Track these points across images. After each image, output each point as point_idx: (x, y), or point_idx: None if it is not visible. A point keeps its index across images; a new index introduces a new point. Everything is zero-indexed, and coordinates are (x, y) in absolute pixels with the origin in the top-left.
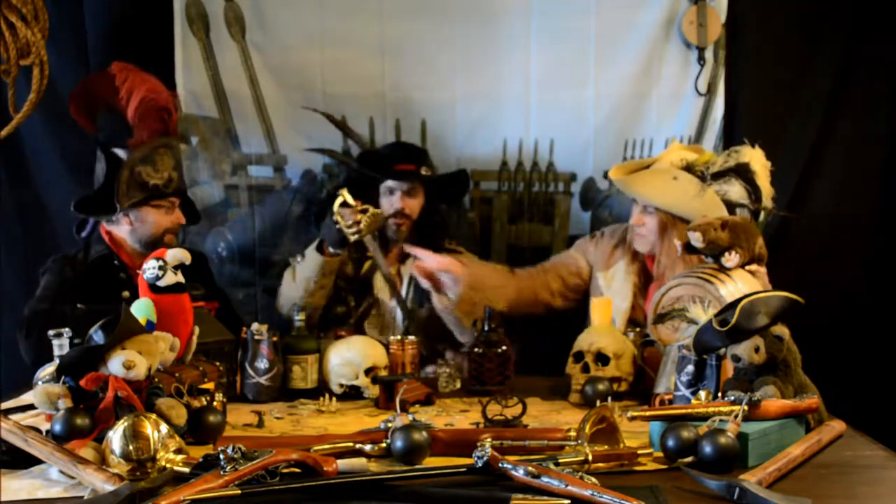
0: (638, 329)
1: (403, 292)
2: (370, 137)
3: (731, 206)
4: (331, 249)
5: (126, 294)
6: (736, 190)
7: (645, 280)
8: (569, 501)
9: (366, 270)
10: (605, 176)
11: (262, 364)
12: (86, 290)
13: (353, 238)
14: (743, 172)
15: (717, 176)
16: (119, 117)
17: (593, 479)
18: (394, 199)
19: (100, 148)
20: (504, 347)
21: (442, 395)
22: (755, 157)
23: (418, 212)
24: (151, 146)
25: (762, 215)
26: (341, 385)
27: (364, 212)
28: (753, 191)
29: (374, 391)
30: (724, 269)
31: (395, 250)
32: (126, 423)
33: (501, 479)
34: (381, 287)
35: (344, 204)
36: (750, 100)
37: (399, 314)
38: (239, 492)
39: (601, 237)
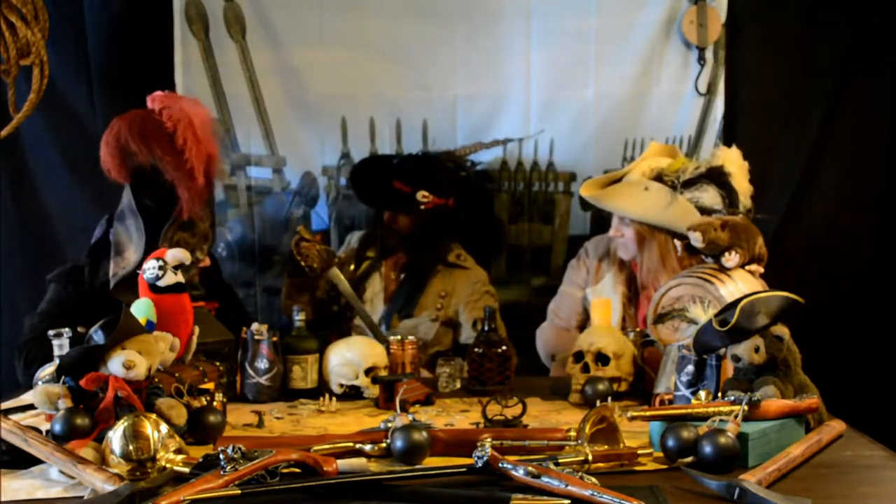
0: (638, 329)
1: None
2: (370, 137)
3: (705, 213)
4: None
5: None
6: (709, 196)
7: (633, 289)
8: (569, 501)
9: (362, 272)
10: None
11: (262, 364)
12: (91, 311)
13: (309, 273)
14: (716, 176)
15: (690, 183)
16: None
17: (593, 479)
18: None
19: (135, 204)
20: (504, 347)
21: (442, 395)
22: (730, 159)
23: (410, 227)
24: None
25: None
26: (341, 385)
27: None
28: (728, 194)
29: (374, 391)
30: (724, 269)
31: (393, 258)
32: (126, 423)
33: (501, 479)
34: (374, 292)
35: (302, 239)
36: (750, 100)
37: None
38: (239, 492)
39: (585, 255)
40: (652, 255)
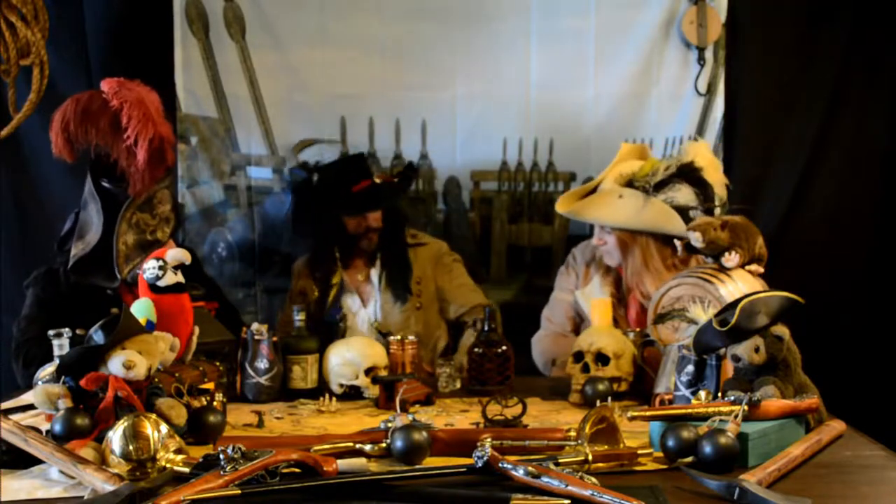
0: (638, 329)
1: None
2: (370, 137)
3: (682, 211)
4: None
5: (115, 311)
6: (683, 194)
7: (621, 291)
8: (569, 501)
9: (332, 300)
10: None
11: (262, 364)
12: (70, 309)
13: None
14: (688, 173)
15: (663, 184)
16: (107, 148)
17: (593, 479)
18: (360, 218)
19: (94, 187)
20: (504, 347)
21: (442, 395)
22: (699, 154)
23: (381, 216)
24: (152, 190)
25: (718, 211)
26: (341, 385)
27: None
28: (703, 190)
29: (374, 391)
30: (724, 269)
31: (363, 257)
32: (126, 423)
33: (501, 479)
34: (355, 304)
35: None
36: (750, 100)
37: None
38: (239, 492)
39: (574, 261)
40: (635, 259)
